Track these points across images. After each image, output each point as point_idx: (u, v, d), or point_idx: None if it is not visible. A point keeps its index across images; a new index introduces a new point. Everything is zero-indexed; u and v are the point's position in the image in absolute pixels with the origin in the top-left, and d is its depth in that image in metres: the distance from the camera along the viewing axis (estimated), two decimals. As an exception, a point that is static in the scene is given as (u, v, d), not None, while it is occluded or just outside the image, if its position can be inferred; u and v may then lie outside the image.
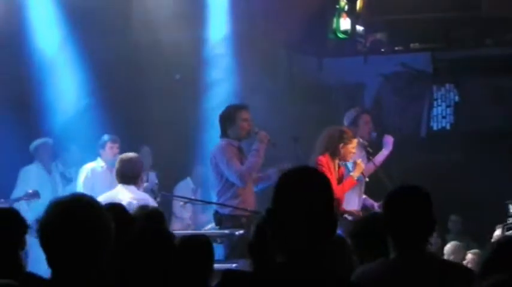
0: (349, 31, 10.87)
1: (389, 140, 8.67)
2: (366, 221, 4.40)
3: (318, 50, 11.15)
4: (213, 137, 8.38)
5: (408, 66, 11.38)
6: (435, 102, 11.53)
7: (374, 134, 8.73)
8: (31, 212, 7.87)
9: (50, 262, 2.83)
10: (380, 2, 11.01)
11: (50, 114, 9.75)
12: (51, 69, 9.79)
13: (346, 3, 10.37)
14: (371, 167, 8.54)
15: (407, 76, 11.40)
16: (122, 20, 10.00)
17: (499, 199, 9.06)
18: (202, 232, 8.50)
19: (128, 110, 10.12)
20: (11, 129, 9.23)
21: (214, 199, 8.08)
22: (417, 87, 11.53)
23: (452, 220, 10.84)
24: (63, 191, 9.05)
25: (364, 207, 8.47)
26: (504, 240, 3.73)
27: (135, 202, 6.52)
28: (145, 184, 7.73)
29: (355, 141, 8.17)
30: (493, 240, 7.83)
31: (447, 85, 11.52)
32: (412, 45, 11.35)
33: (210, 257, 4.38)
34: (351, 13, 10.73)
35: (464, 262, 8.73)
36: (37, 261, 3.60)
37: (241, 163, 7.80)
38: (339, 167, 8.08)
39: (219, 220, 7.83)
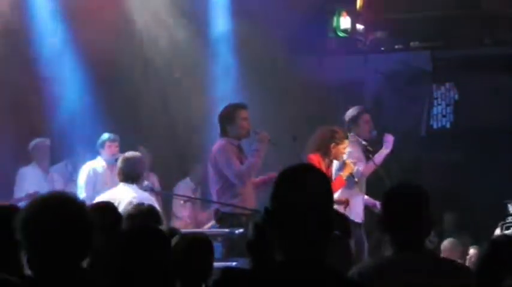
0: (349, 30, 10.88)
1: (389, 139, 8.68)
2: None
3: (317, 48, 11.14)
4: (212, 136, 8.38)
5: (408, 65, 11.37)
6: (435, 101, 11.52)
7: (374, 133, 8.74)
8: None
9: (29, 261, 2.81)
10: (380, 0, 11.01)
11: (50, 113, 9.75)
12: (52, 68, 9.79)
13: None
14: (371, 166, 8.55)
15: (407, 75, 11.39)
16: (123, 19, 10.00)
17: (499, 198, 9.08)
18: (201, 230, 8.51)
19: (127, 109, 10.12)
20: (11, 129, 9.24)
21: (213, 198, 8.08)
22: (417, 86, 11.51)
23: (451, 218, 10.84)
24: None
25: (366, 206, 8.49)
26: (501, 239, 3.73)
27: (135, 201, 6.53)
28: (145, 183, 7.74)
29: (346, 141, 8.27)
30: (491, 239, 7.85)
31: (447, 84, 11.51)
32: (412, 44, 11.34)
33: (210, 256, 4.40)
34: (351, 12, 10.74)
35: (468, 257, 8.76)
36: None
37: (241, 162, 7.82)
38: (327, 168, 8.12)
39: (219, 218, 7.85)
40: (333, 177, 8.11)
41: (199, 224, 10.02)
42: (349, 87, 11.00)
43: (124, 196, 6.71)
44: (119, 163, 7.31)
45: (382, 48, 11.41)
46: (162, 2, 9.97)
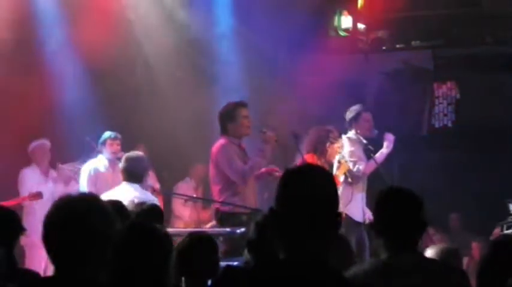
0: (350, 29, 10.88)
1: (390, 138, 8.69)
2: None
3: (318, 47, 11.13)
4: (212, 134, 8.38)
5: (409, 64, 11.37)
6: (436, 100, 11.51)
7: (375, 132, 8.75)
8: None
9: (53, 259, 2.84)
10: (381, -1, 11.00)
11: (52, 113, 9.76)
12: (54, 68, 9.81)
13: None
14: (372, 165, 8.57)
15: (409, 74, 11.39)
16: (124, 18, 10.00)
17: (501, 197, 9.08)
18: (203, 229, 8.52)
19: (128, 109, 10.12)
20: (14, 129, 9.25)
21: (214, 197, 8.08)
22: (418, 85, 11.51)
23: (453, 217, 10.84)
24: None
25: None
26: (502, 239, 3.72)
27: (137, 200, 6.53)
28: (148, 182, 7.75)
29: (341, 140, 8.30)
30: (491, 238, 7.85)
31: (448, 83, 11.51)
32: (413, 43, 11.32)
33: (214, 254, 4.42)
34: (352, 11, 10.74)
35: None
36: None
37: (242, 161, 7.83)
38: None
39: (220, 218, 7.85)
40: None
41: (200, 224, 10.03)
42: (350, 87, 10.99)
43: (126, 196, 6.71)
44: (122, 162, 7.32)
45: (384, 48, 11.40)
46: (165, 1, 9.98)
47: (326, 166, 8.16)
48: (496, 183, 9.96)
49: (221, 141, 7.90)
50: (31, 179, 9.32)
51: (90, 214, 2.84)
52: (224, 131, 7.91)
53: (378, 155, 8.60)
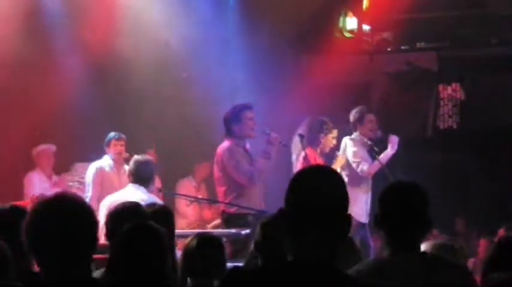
0: (355, 30, 10.89)
1: (394, 140, 8.69)
2: None
3: (324, 48, 11.15)
4: (215, 134, 8.38)
5: (414, 66, 11.37)
6: (441, 102, 11.51)
7: (379, 133, 8.76)
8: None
9: (38, 262, 2.84)
10: (386, 1, 11.00)
11: (59, 115, 9.77)
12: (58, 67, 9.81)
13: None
14: (376, 165, 8.58)
15: (414, 75, 11.39)
16: (131, 19, 10.02)
17: (506, 199, 9.08)
18: (209, 230, 8.53)
19: (132, 109, 10.14)
20: (20, 131, 9.27)
21: (219, 198, 8.10)
22: (423, 86, 11.51)
23: (459, 222, 10.82)
24: None
25: None
26: (506, 240, 3.70)
27: (142, 203, 6.54)
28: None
29: (335, 131, 8.31)
30: (495, 239, 7.85)
31: (453, 84, 11.50)
32: (418, 44, 11.33)
33: (221, 254, 4.44)
34: (357, 12, 10.74)
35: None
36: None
37: (248, 163, 7.85)
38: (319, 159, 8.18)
39: (226, 219, 7.86)
40: None
41: (204, 223, 10.04)
42: (355, 88, 11.00)
43: (133, 198, 6.72)
44: (131, 165, 7.35)
45: (388, 49, 11.41)
46: (170, 1, 9.99)
47: (322, 159, 8.19)
48: (501, 184, 9.96)
49: (226, 143, 7.92)
50: (37, 183, 9.34)
51: (75, 213, 2.83)
52: (229, 133, 7.92)
53: (382, 155, 8.61)
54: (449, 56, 11.31)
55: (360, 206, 8.39)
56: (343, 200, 2.63)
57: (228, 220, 7.79)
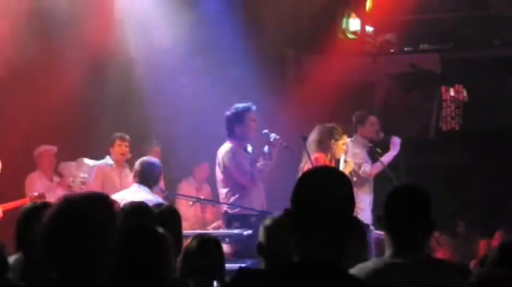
0: (358, 31, 10.89)
1: (396, 141, 8.71)
2: None
3: (327, 49, 11.16)
4: (215, 135, 8.38)
5: (417, 67, 11.37)
6: (444, 103, 11.51)
7: (381, 135, 8.78)
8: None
9: (49, 261, 2.86)
10: (389, 2, 11.01)
11: (63, 114, 9.77)
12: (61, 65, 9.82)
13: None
14: (379, 166, 8.60)
15: (416, 77, 11.39)
16: (130, 19, 10.03)
17: (508, 200, 9.08)
18: (211, 231, 8.53)
19: (129, 109, 10.15)
20: (24, 130, 9.29)
21: (220, 199, 8.10)
22: (426, 88, 11.52)
23: (461, 224, 10.81)
24: None
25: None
26: (508, 242, 3.70)
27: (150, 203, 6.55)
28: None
29: (345, 137, 8.30)
30: (492, 241, 7.86)
31: (456, 86, 11.50)
32: (421, 46, 11.33)
33: (220, 255, 4.45)
34: (361, 14, 10.75)
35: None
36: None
37: (250, 164, 7.85)
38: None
39: (228, 220, 7.87)
40: None
41: (204, 223, 10.04)
42: (358, 89, 11.01)
43: (138, 198, 6.73)
44: (137, 166, 7.36)
45: (392, 50, 11.41)
46: (170, 2, 10.00)
47: (333, 163, 8.19)
48: (503, 186, 9.95)
49: (228, 144, 7.91)
50: (39, 184, 9.35)
51: (92, 213, 2.86)
52: (231, 134, 7.91)
53: (384, 157, 8.62)
54: (452, 58, 11.32)
55: (363, 207, 8.40)
56: (349, 201, 2.65)
57: (231, 221, 7.79)
